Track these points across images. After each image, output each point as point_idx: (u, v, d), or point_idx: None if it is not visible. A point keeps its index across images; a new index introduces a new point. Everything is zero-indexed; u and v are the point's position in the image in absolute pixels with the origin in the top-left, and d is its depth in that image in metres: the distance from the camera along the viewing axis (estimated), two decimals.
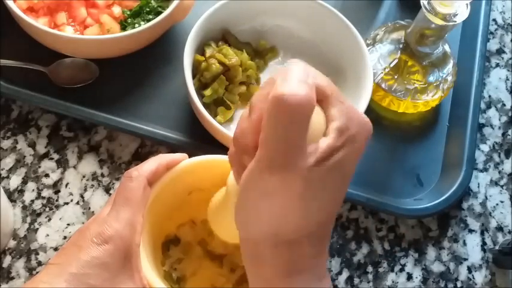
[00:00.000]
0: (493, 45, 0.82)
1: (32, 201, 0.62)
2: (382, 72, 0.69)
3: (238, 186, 0.35)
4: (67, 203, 0.63)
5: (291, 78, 0.32)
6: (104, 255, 0.39)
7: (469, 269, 0.65)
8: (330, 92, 0.34)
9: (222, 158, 0.50)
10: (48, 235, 0.61)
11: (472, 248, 0.67)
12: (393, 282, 0.63)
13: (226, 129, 0.62)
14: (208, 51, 0.67)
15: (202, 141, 0.64)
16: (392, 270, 0.64)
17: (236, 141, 0.35)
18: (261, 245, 0.34)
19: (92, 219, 0.43)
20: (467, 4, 0.63)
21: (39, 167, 0.64)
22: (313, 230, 0.34)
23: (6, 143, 0.65)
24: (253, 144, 0.33)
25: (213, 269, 0.52)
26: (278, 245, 0.34)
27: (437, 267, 0.65)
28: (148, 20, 0.67)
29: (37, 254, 0.60)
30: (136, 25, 0.67)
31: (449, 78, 0.70)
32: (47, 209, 0.62)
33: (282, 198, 0.32)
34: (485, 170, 0.72)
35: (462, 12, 0.63)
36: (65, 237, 0.61)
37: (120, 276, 0.40)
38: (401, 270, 0.64)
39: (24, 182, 0.63)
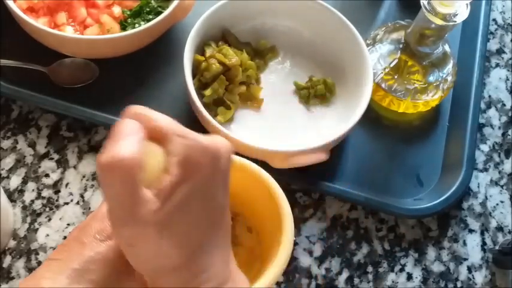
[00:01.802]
0: (493, 45, 0.82)
1: (32, 201, 0.62)
2: (382, 72, 0.69)
3: None
4: (67, 203, 0.63)
5: (116, 138, 0.33)
6: (107, 251, 0.39)
7: (469, 269, 0.65)
8: (168, 128, 0.34)
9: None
10: (48, 235, 0.61)
11: (472, 248, 0.67)
12: (393, 282, 0.63)
13: (226, 129, 0.62)
14: (208, 51, 0.67)
15: None
16: (392, 270, 0.64)
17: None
18: (151, 277, 0.37)
19: (91, 215, 0.43)
20: (467, 4, 0.63)
21: (39, 167, 0.64)
22: (194, 250, 0.35)
23: (6, 143, 0.65)
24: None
25: None
26: (163, 275, 0.36)
27: (437, 267, 0.65)
28: (148, 20, 0.67)
29: (37, 254, 0.60)
30: (137, 25, 0.67)
31: (449, 78, 0.70)
32: (47, 209, 0.62)
33: (143, 246, 0.34)
34: (485, 170, 0.72)
35: (462, 12, 0.63)
36: (64, 237, 0.61)
37: (122, 273, 0.40)
38: (401, 270, 0.64)
39: (24, 182, 0.63)
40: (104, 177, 0.32)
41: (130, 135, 0.34)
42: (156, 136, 0.34)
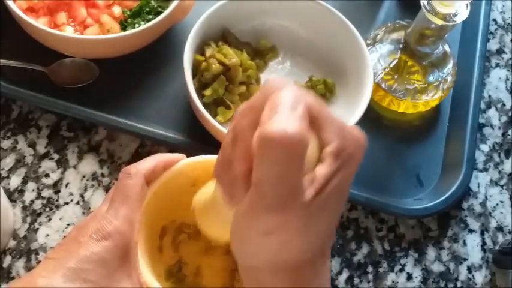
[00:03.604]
0: (493, 45, 0.82)
1: (32, 201, 0.62)
2: (382, 72, 0.69)
3: (228, 208, 0.34)
4: (67, 203, 0.63)
5: (280, 109, 0.29)
6: (103, 251, 0.39)
7: (469, 269, 0.65)
8: (321, 112, 0.32)
9: None
10: (48, 235, 0.61)
11: (472, 248, 0.67)
12: (393, 282, 0.63)
13: (226, 129, 0.61)
14: (208, 51, 0.67)
15: (202, 141, 0.64)
16: (392, 270, 0.64)
17: (219, 173, 0.34)
18: (260, 272, 0.34)
19: (89, 216, 0.43)
20: (467, 4, 0.63)
21: (39, 167, 0.64)
22: (314, 252, 0.34)
23: (6, 143, 0.65)
24: (242, 175, 0.32)
25: (220, 256, 0.52)
26: (278, 272, 0.33)
27: (437, 267, 0.65)
28: (148, 20, 0.67)
29: (37, 254, 0.60)
30: (137, 25, 0.67)
31: (449, 78, 0.70)
32: (47, 209, 0.62)
33: (280, 236, 0.31)
34: (485, 170, 0.72)
35: (462, 12, 0.63)
36: (64, 237, 0.61)
37: (118, 274, 0.40)
38: (401, 270, 0.64)
39: (24, 182, 0.63)
40: (269, 154, 0.29)
41: (295, 109, 0.30)
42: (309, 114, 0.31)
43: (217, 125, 0.61)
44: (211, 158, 0.50)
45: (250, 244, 0.33)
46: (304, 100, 0.31)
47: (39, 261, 0.59)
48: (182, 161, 0.48)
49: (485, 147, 0.73)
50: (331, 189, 0.31)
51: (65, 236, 0.61)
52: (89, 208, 0.63)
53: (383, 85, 0.69)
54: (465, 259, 0.66)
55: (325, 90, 0.69)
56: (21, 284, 0.39)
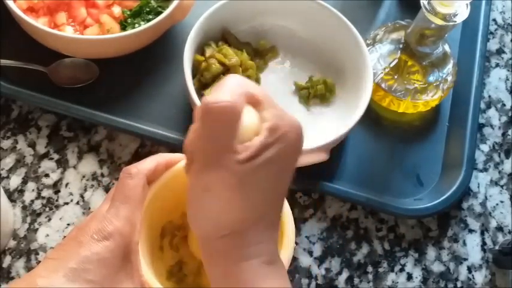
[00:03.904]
0: (493, 45, 0.82)
1: (32, 201, 0.62)
2: (382, 72, 0.69)
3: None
4: (67, 203, 0.63)
5: (221, 88, 0.35)
6: (104, 251, 0.39)
7: (469, 269, 0.65)
8: (263, 98, 0.37)
9: None
10: (48, 235, 0.61)
11: (472, 248, 0.67)
12: (393, 282, 0.63)
13: None
14: (208, 51, 0.67)
15: None
16: (392, 270, 0.64)
17: (185, 151, 0.38)
18: (210, 239, 0.37)
19: (90, 216, 0.43)
20: (467, 4, 0.63)
21: (39, 167, 0.64)
22: (256, 220, 0.37)
23: (6, 143, 0.65)
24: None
25: None
26: (224, 236, 0.37)
27: (437, 267, 0.65)
28: (148, 20, 0.67)
29: (37, 254, 0.60)
30: (136, 25, 0.67)
31: (449, 78, 0.70)
32: (47, 209, 0.62)
33: (218, 193, 0.35)
34: (485, 170, 0.72)
35: (462, 12, 0.63)
36: (64, 237, 0.61)
37: (119, 274, 0.40)
38: (401, 270, 0.64)
39: (24, 182, 0.63)
40: (207, 116, 0.34)
41: (236, 87, 0.36)
42: (251, 101, 0.37)
43: None
44: None
45: (197, 207, 0.37)
46: (247, 85, 0.37)
47: (39, 261, 0.59)
48: (183, 161, 0.48)
49: (485, 147, 0.73)
50: (265, 158, 0.35)
51: (65, 236, 0.61)
52: (89, 208, 0.63)
53: (383, 85, 0.69)
54: (465, 259, 0.66)
55: (325, 90, 0.69)
56: (21, 284, 0.39)
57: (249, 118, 0.36)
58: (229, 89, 0.35)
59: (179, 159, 0.48)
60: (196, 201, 0.37)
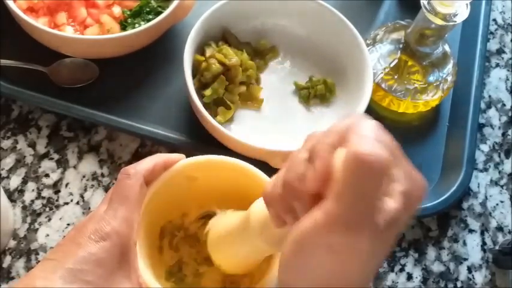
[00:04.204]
0: (493, 45, 0.82)
1: (32, 201, 0.62)
2: (382, 72, 0.69)
3: (280, 232, 0.35)
4: (67, 203, 0.63)
5: (366, 135, 0.31)
6: (101, 252, 0.39)
7: (469, 269, 0.65)
8: (396, 150, 0.33)
9: (220, 158, 0.50)
10: (48, 235, 0.61)
11: (472, 248, 0.67)
12: (393, 282, 0.63)
13: (226, 129, 0.62)
14: (208, 51, 0.67)
15: (202, 141, 0.64)
16: (392, 270, 0.64)
17: (289, 185, 0.34)
18: None
19: (88, 216, 0.43)
20: (467, 4, 0.63)
21: (39, 167, 0.64)
22: (363, 285, 0.33)
23: (6, 143, 0.65)
24: (312, 193, 0.32)
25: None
26: None
27: (437, 267, 0.65)
28: (148, 20, 0.67)
29: (37, 254, 0.60)
30: (137, 25, 0.67)
31: (449, 78, 0.70)
32: (47, 209, 0.62)
33: (345, 257, 0.31)
34: (485, 170, 0.72)
35: (462, 12, 0.63)
36: (64, 238, 0.61)
37: (116, 274, 0.40)
38: (401, 270, 0.64)
39: (24, 182, 0.63)
40: (357, 170, 0.30)
41: (380, 137, 0.31)
42: None
43: (217, 125, 0.61)
44: (211, 158, 0.50)
45: (306, 263, 0.32)
46: (386, 135, 0.32)
47: (39, 261, 0.59)
48: (182, 161, 0.48)
49: (485, 147, 0.73)
50: (396, 227, 0.32)
51: (64, 237, 0.61)
52: (89, 208, 0.63)
53: (383, 85, 0.69)
54: (465, 259, 0.66)
55: (325, 90, 0.69)
56: (20, 285, 0.39)
57: None
58: (375, 139, 0.31)
59: (177, 160, 0.48)
60: (306, 256, 0.32)
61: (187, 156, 0.49)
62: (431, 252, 0.66)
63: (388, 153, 0.30)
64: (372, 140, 0.30)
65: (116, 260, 0.40)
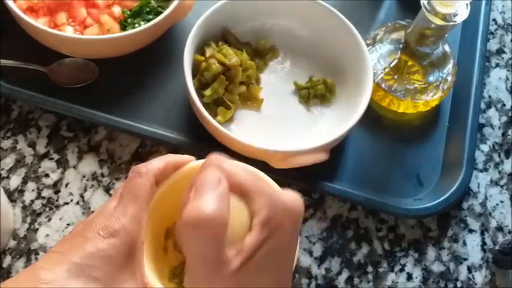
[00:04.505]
0: (493, 45, 0.82)
1: (32, 201, 0.62)
2: (382, 72, 0.69)
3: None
4: (67, 203, 0.63)
5: (200, 192, 0.33)
6: (109, 248, 0.39)
7: (469, 269, 0.65)
8: (250, 185, 0.35)
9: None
10: (48, 235, 0.61)
11: (472, 248, 0.67)
12: (393, 282, 0.63)
13: (226, 129, 0.62)
14: (208, 51, 0.67)
15: (202, 141, 0.64)
16: (392, 270, 0.64)
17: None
18: None
19: (97, 212, 0.43)
20: (467, 4, 0.63)
21: (39, 167, 0.64)
22: None
23: (6, 143, 0.65)
24: None
25: None
26: None
27: (437, 267, 0.65)
28: (148, 20, 0.67)
29: (37, 254, 0.60)
30: (136, 25, 0.67)
31: (449, 78, 0.70)
32: (47, 209, 0.62)
33: None
34: (485, 170, 0.72)
35: (462, 12, 0.63)
36: (70, 231, 0.61)
37: (122, 272, 0.39)
38: (401, 270, 0.64)
39: (24, 182, 0.63)
40: (190, 234, 0.33)
41: (216, 189, 0.34)
42: (237, 191, 0.35)
43: (217, 125, 0.61)
44: None
45: None
46: (229, 176, 0.34)
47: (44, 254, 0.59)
48: (191, 163, 0.48)
49: (485, 147, 0.73)
50: (261, 256, 0.33)
51: (64, 236, 0.61)
52: (89, 208, 0.63)
53: (383, 85, 0.69)
54: (465, 259, 0.66)
55: (325, 90, 0.69)
56: (23, 276, 0.38)
57: (237, 214, 0.33)
58: (209, 192, 0.33)
59: (188, 161, 0.48)
60: None
61: None
62: (431, 252, 0.66)
63: (219, 204, 0.32)
64: (205, 195, 0.33)
65: (123, 257, 0.40)
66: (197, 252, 0.33)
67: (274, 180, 0.53)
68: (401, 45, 0.69)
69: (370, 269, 0.64)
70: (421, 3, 0.63)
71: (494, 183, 0.71)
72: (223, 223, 0.33)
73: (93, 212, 0.63)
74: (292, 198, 0.35)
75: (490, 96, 0.77)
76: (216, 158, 0.36)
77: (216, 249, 0.33)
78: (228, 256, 0.33)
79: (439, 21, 0.63)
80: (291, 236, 0.35)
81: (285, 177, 0.61)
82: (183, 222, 0.33)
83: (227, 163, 0.36)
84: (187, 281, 0.35)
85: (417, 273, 0.64)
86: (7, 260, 0.59)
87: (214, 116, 0.65)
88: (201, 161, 0.49)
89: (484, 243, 0.67)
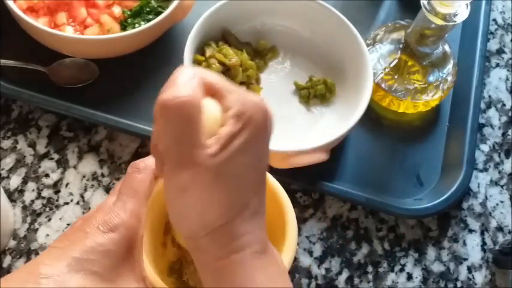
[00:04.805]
0: (493, 45, 0.82)
1: (32, 201, 0.62)
2: (382, 72, 0.69)
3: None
4: (67, 203, 0.63)
5: (175, 83, 0.35)
6: (109, 243, 0.39)
7: (469, 269, 0.65)
8: (220, 85, 0.36)
9: None
10: (48, 235, 0.61)
11: (472, 248, 0.67)
12: (393, 282, 0.63)
13: None
14: (208, 51, 0.67)
15: None
16: (392, 270, 0.64)
17: (153, 152, 0.38)
18: (196, 238, 0.37)
19: (96, 207, 0.43)
20: (467, 4, 0.63)
21: (39, 167, 0.64)
22: (239, 210, 0.36)
23: (6, 143, 0.65)
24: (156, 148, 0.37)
25: None
26: (209, 233, 0.36)
27: (437, 267, 0.65)
28: (149, 20, 0.67)
29: (37, 254, 0.60)
30: (137, 25, 0.68)
31: (449, 78, 0.70)
32: (47, 209, 0.62)
33: (196, 191, 0.35)
34: (485, 170, 0.72)
35: (462, 12, 0.63)
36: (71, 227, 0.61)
37: (122, 267, 0.40)
38: (401, 270, 0.64)
39: (24, 182, 0.63)
40: (166, 116, 0.33)
41: (190, 79, 0.35)
42: (209, 91, 0.36)
43: None
44: None
45: (178, 209, 0.36)
46: (201, 74, 0.36)
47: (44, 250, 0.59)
48: None
49: (485, 147, 0.73)
50: (238, 146, 0.34)
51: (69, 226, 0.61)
52: (89, 208, 0.63)
53: (383, 85, 0.69)
54: (465, 259, 0.66)
55: (325, 90, 0.69)
56: (24, 271, 0.39)
57: (211, 110, 0.35)
58: (183, 82, 0.34)
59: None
60: (175, 203, 0.36)
61: None
62: (431, 252, 0.66)
63: (192, 91, 0.34)
64: (176, 85, 0.34)
65: (123, 252, 0.40)
66: (173, 136, 0.34)
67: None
68: (401, 45, 0.69)
69: (370, 269, 0.64)
70: (421, 3, 0.63)
71: (494, 183, 0.71)
72: (198, 106, 0.34)
73: None
74: (259, 98, 0.36)
75: (490, 96, 0.77)
76: (188, 67, 0.37)
77: (192, 131, 0.34)
78: (204, 141, 0.34)
79: (439, 21, 0.63)
80: (263, 130, 0.36)
81: (285, 177, 0.61)
82: (158, 105, 0.34)
83: (199, 69, 0.37)
84: (166, 172, 0.36)
85: (417, 273, 0.64)
86: (7, 260, 0.59)
87: None
88: None
89: (484, 243, 0.67)
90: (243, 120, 0.35)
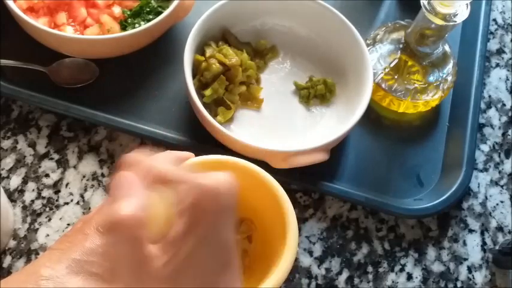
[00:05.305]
0: (493, 45, 0.82)
1: (32, 201, 0.62)
2: (382, 72, 0.69)
3: None
4: (67, 203, 0.63)
5: (113, 194, 0.34)
6: (108, 244, 0.39)
7: (469, 269, 0.65)
8: (171, 175, 0.35)
9: (226, 159, 0.50)
10: (48, 235, 0.61)
11: (472, 248, 0.67)
12: (393, 282, 0.63)
13: (226, 129, 0.62)
14: (208, 51, 0.67)
15: (202, 141, 0.64)
16: (392, 270, 0.64)
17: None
18: None
19: (96, 208, 0.43)
20: (467, 4, 0.63)
21: (39, 167, 0.64)
22: None
23: (7, 143, 0.65)
24: None
25: None
26: None
27: (437, 267, 0.65)
28: (149, 20, 0.67)
29: (37, 254, 0.60)
30: (137, 25, 0.67)
31: (449, 78, 0.70)
32: (47, 209, 0.62)
33: None
34: (485, 170, 0.72)
35: (462, 12, 0.63)
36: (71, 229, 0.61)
37: (122, 268, 0.40)
38: (401, 270, 0.64)
39: (24, 182, 0.63)
40: (109, 240, 0.34)
41: (128, 190, 0.34)
42: (160, 182, 0.35)
43: (217, 125, 0.61)
44: (218, 158, 0.50)
45: None
46: (148, 171, 0.35)
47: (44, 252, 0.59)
48: (190, 160, 0.48)
49: (485, 147, 0.73)
50: (190, 246, 0.33)
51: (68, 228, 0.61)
52: (89, 208, 0.63)
53: (383, 85, 0.69)
54: (465, 259, 0.66)
55: (325, 90, 0.69)
56: (24, 273, 0.39)
57: (162, 207, 0.34)
58: (122, 194, 0.33)
59: (188, 157, 0.48)
60: None
61: None
62: (431, 252, 0.66)
63: (137, 204, 0.33)
64: (113, 199, 0.33)
65: (123, 253, 0.40)
66: (120, 256, 0.34)
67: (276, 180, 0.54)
68: (401, 45, 0.69)
69: (370, 269, 0.64)
70: (421, 3, 0.63)
71: (494, 183, 0.71)
72: (139, 223, 0.33)
73: None
74: (210, 179, 0.34)
75: (490, 96, 0.77)
76: (128, 156, 0.36)
77: (137, 249, 0.33)
78: (152, 253, 0.33)
79: (439, 21, 0.63)
80: (221, 217, 0.34)
81: (285, 177, 0.61)
82: (102, 229, 0.34)
83: (141, 157, 0.36)
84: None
85: (417, 273, 0.64)
86: (7, 260, 0.59)
87: (215, 116, 0.65)
88: (201, 158, 0.49)
89: (484, 243, 0.67)
90: (195, 214, 0.33)
